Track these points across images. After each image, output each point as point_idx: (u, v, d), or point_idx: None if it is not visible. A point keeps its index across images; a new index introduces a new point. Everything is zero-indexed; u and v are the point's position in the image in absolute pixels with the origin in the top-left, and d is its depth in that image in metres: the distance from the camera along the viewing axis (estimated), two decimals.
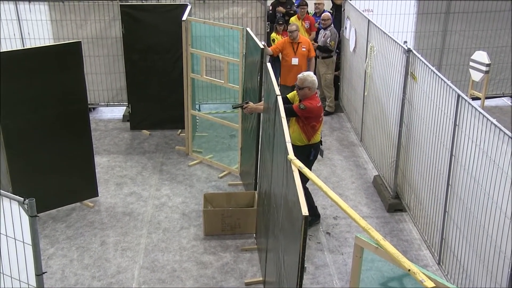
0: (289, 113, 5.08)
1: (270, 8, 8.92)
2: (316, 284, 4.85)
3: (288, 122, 4.09)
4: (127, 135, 7.70)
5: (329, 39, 8.00)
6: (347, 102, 8.27)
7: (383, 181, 6.29)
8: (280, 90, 7.57)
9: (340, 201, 3.05)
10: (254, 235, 5.46)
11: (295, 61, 7.44)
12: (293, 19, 8.57)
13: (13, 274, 3.25)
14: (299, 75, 5.20)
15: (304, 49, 7.46)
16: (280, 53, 7.58)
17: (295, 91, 5.36)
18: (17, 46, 7.72)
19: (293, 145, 3.61)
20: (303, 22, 8.55)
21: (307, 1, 8.71)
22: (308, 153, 5.26)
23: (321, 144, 5.44)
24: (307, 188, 5.42)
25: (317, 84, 5.24)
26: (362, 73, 7.11)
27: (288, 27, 7.63)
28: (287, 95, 5.38)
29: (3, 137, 5.18)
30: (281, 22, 8.36)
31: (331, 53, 8.14)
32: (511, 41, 8.32)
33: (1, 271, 3.29)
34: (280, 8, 8.86)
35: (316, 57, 8.04)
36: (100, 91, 8.20)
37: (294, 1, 9.19)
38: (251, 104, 5.37)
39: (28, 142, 5.36)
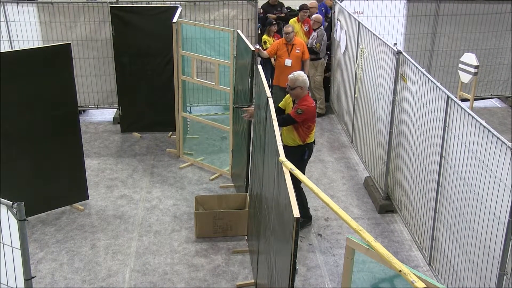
0: (288, 122, 5.05)
1: (261, 11, 8.93)
2: (308, 286, 4.85)
3: None
4: (117, 138, 7.65)
5: (315, 40, 8.01)
6: (338, 103, 8.29)
7: (374, 182, 6.31)
8: (273, 90, 7.66)
9: (331, 203, 3.05)
10: (246, 237, 5.45)
11: (288, 62, 7.45)
12: (292, 21, 8.58)
13: (1, 279, 3.21)
14: (290, 76, 5.19)
15: (298, 51, 7.47)
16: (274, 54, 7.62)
17: (285, 98, 5.35)
18: (5, 48, 7.64)
19: (287, 145, 3.59)
20: (302, 25, 8.58)
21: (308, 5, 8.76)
22: (302, 153, 5.27)
23: (314, 144, 5.45)
24: (302, 188, 5.41)
25: (308, 83, 5.24)
26: (352, 75, 7.13)
27: (284, 28, 7.65)
28: (279, 104, 5.36)
29: None
30: (274, 23, 8.38)
31: (317, 55, 8.12)
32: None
33: None
34: (272, 16, 8.92)
35: None
36: (90, 94, 8.15)
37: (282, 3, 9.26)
38: (253, 108, 5.16)
39: (17, 145, 5.31)
